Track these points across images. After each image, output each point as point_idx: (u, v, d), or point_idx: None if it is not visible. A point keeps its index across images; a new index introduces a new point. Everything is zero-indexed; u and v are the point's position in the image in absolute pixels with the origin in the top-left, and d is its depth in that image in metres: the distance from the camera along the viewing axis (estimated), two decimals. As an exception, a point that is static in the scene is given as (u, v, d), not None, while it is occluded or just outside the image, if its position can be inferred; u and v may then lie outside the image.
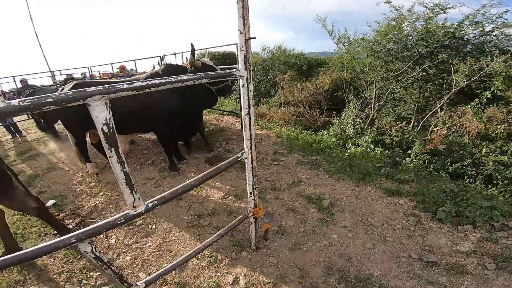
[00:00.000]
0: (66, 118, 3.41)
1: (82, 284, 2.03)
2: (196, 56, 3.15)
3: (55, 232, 2.53)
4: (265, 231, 2.20)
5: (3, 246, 2.29)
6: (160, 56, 6.47)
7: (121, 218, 0.99)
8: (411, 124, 6.07)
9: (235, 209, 2.80)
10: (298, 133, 5.46)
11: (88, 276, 2.10)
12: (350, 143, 5.39)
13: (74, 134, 3.50)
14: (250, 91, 1.40)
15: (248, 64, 1.34)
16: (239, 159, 1.50)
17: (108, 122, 0.79)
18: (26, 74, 8.57)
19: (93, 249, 0.98)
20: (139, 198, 0.99)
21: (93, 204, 3.09)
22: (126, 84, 0.83)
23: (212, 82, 3.22)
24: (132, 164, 4.09)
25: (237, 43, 4.54)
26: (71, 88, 3.09)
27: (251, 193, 1.74)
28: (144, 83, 0.87)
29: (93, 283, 2.04)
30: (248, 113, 1.45)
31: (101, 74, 10.10)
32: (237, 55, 1.31)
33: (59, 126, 6.02)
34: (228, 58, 11.19)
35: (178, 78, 0.97)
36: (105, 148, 0.84)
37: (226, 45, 8.20)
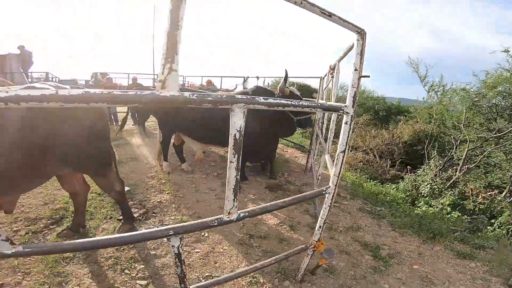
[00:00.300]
0: (162, 118, 3.90)
1: (123, 273, 2.12)
2: (272, 83, 3.32)
3: (120, 217, 2.73)
4: (317, 266, 2.11)
5: (72, 220, 2.57)
6: (244, 77, 7.10)
7: (215, 221, 1.03)
8: (503, 194, 5.04)
9: (287, 238, 2.78)
10: (363, 181, 5.14)
11: (132, 267, 2.20)
12: (422, 202, 4.85)
13: (164, 133, 3.94)
14: (351, 129, 1.36)
15: (355, 102, 1.32)
16: (323, 192, 1.45)
17: (241, 130, 0.85)
18: (137, 73, 10.37)
19: (180, 245, 1.02)
20: (236, 207, 1.01)
21: (158, 200, 3.36)
22: (262, 98, 0.88)
23: (296, 112, 3.29)
24: (199, 172, 4.37)
25: (321, 77, 4.62)
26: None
27: (320, 227, 1.71)
28: (275, 101, 0.92)
29: (134, 274, 2.12)
30: (344, 151, 1.40)
31: (189, 85, 11.51)
32: (345, 90, 1.30)
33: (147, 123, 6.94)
34: (300, 90, 11.40)
35: (300, 103, 1.00)
36: (229, 152, 0.89)
37: (309, 77, 8.38)
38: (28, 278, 1.98)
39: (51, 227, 2.64)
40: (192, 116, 3.59)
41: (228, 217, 1.04)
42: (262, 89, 3.55)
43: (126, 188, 3.50)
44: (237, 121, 0.84)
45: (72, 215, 2.66)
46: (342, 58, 2.26)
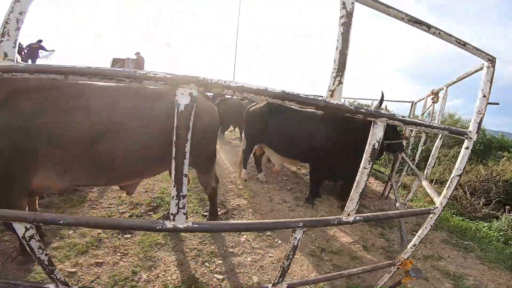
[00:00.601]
0: (249, 129, 4.26)
1: (203, 266, 2.31)
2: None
3: (205, 213, 3.01)
4: (397, 283, 2.00)
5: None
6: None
7: (335, 220, 1.14)
8: None
9: (359, 257, 2.76)
10: (449, 216, 4.54)
11: (212, 260, 2.38)
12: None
13: (249, 142, 4.31)
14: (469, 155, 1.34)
15: (479, 128, 1.30)
16: (430, 211, 1.44)
17: (379, 141, 0.97)
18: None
19: (301, 237, 1.16)
20: (355, 210, 1.11)
21: (237, 203, 3.67)
22: (401, 116, 1.00)
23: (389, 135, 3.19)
24: (273, 183, 4.59)
25: (413, 102, 4.41)
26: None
27: (414, 245, 1.69)
28: (411, 120, 1.02)
29: (212, 268, 2.29)
30: (459, 175, 1.37)
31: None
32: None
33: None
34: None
35: (430, 123, 1.08)
36: (365, 159, 1.01)
37: (400, 101, 7.68)
38: (125, 259, 2.23)
39: (148, 213, 3.08)
40: (279, 129, 3.83)
41: (346, 218, 1.16)
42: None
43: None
44: (377, 133, 0.97)
45: (167, 204, 3.05)
46: (452, 83, 2.16)
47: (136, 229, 0.93)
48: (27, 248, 0.88)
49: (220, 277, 2.19)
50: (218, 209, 3.26)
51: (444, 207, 1.48)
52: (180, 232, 0.92)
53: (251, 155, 4.42)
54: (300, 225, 1.11)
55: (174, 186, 0.80)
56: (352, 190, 1.10)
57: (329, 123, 3.50)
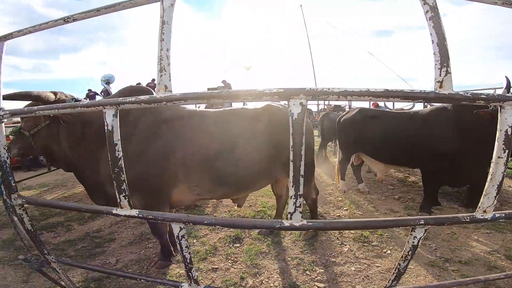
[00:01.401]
0: (344, 138, 4.17)
1: (304, 274, 2.30)
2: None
3: None
4: None
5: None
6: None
7: (467, 217, 0.99)
8: None
9: (500, 267, 2.28)
10: None
11: (313, 269, 2.35)
12: None
13: (345, 153, 4.19)
14: None
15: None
16: None
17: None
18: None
19: (422, 237, 1.02)
20: (493, 205, 0.96)
21: (337, 214, 3.54)
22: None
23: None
24: (376, 194, 4.24)
25: None
26: None
27: None
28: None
29: (313, 277, 2.25)
30: None
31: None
32: None
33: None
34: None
35: None
36: (498, 148, 0.88)
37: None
38: (235, 266, 2.43)
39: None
40: (376, 135, 3.60)
41: (482, 215, 0.99)
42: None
43: None
44: (508, 118, 0.88)
45: (269, 217, 3.24)
46: None
47: (258, 228, 0.99)
48: (178, 246, 1.04)
49: (322, 285, 2.17)
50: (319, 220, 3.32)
51: None
52: (296, 230, 1.00)
53: (349, 165, 4.27)
54: (421, 222, 0.96)
55: (292, 187, 0.86)
56: (487, 183, 0.96)
57: (439, 121, 3.07)
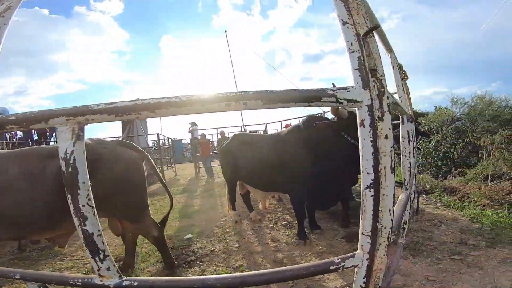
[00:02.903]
0: (223, 166, 3.88)
1: None
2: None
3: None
4: None
5: (164, 260, 2.65)
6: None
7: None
8: None
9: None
10: None
11: None
12: None
13: (228, 182, 3.90)
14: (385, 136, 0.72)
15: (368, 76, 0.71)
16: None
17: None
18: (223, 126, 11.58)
19: None
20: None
21: (212, 249, 3.17)
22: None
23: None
24: (269, 220, 3.98)
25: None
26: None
27: None
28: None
29: None
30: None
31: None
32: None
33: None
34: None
35: None
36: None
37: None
38: None
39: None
40: (248, 161, 3.34)
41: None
42: (315, 118, 3.00)
43: (189, 236, 3.54)
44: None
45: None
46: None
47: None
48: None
49: None
50: (186, 256, 3.00)
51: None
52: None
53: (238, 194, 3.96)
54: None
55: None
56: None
57: (293, 141, 2.95)
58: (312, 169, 2.70)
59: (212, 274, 2.58)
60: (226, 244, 3.24)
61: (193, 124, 9.66)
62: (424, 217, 3.60)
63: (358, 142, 2.24)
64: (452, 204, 4.23)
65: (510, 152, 5.20)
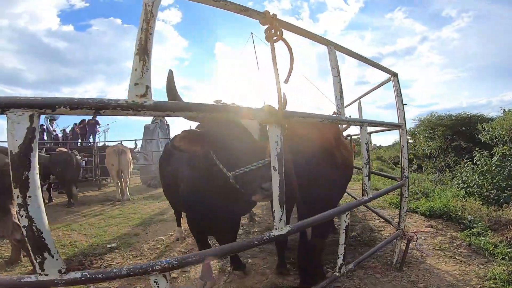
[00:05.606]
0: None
1: None
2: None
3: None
4: None
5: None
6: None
7: None
8: None
9: None
10: None
11: None
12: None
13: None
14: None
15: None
16: None
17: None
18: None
19: None
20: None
21: (112, 263, 2.94)
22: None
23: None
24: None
25: None
26: None
27: None
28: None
29: None
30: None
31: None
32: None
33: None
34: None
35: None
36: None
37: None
38: None
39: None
40: (166, 175, 2.71)
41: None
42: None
43: (112, 245, 3.39)
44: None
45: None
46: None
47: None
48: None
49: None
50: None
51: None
52: None
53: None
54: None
55: None
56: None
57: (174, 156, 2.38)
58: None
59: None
60: (124, 259, 2.99)
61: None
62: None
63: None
64: (489, 248, 2.78)
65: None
